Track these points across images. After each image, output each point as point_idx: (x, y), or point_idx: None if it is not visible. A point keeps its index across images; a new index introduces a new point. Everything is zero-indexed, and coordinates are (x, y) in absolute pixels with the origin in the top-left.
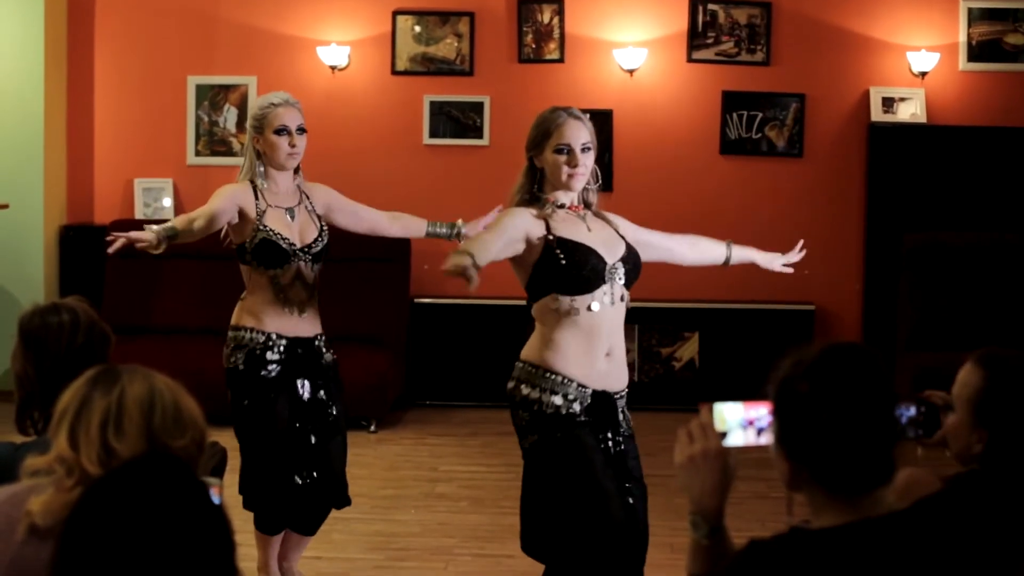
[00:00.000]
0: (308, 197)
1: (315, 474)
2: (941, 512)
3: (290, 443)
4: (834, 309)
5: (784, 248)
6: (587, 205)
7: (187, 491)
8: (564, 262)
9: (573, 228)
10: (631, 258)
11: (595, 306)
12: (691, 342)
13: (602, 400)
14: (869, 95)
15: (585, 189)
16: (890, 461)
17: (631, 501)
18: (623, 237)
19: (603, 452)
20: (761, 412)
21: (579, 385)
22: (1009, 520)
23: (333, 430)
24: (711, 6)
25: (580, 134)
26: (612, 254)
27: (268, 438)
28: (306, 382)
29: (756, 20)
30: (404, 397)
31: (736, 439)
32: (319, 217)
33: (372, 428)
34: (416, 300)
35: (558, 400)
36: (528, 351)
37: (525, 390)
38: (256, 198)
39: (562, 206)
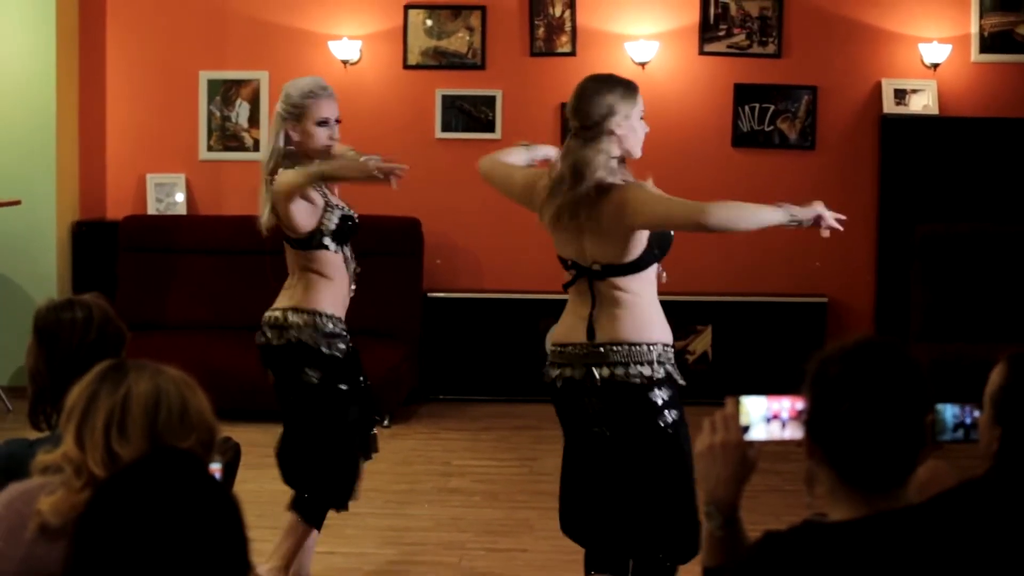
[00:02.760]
0: None
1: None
2: (956, 509)
3: (365, 428)
4: (847, 301)
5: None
6: None
7: (199, 487)
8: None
9: None
10: None
11: (664, 275)
12: (704, 335)
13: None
14: (881, 87)
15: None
16: (907, 465)
17: None
18: None
19: None
20: (785, 405)
21: (670, 347)
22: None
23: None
24: None
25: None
26: None
27: (353, 424)
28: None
29: (768, 12)
30: (417, 391)
31: (759, 433)
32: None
33: (385, 423)
34: (429, 294)
35: (675, 369)
36: (637, 334)
37: (667, 369)
38: None
39: None
